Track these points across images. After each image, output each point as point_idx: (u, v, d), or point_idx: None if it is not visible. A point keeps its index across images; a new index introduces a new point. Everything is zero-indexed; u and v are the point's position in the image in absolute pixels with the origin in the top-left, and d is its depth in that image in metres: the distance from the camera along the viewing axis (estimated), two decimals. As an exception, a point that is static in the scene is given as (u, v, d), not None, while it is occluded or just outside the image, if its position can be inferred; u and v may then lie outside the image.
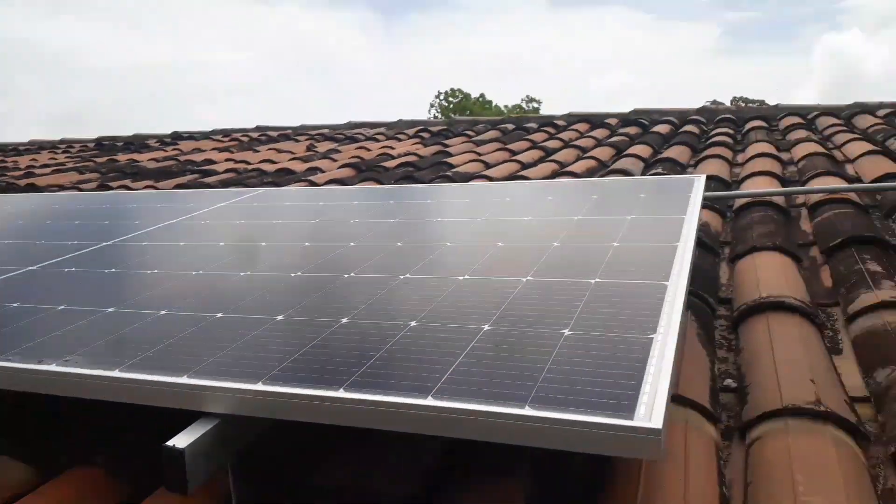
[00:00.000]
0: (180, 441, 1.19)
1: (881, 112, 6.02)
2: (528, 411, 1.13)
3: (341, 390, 1.23)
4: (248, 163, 6.19)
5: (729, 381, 1.91)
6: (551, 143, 5.92)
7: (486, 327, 1.46)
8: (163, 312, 1.73)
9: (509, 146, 5.99)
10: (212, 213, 3.03)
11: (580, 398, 1.16)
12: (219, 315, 1.67)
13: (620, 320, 1.45)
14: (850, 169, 4.18)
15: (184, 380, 1.31)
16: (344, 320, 1.56)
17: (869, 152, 4.33)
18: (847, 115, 6.14)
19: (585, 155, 5.23)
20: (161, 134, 9.01)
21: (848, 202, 3.23)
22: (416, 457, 1.50)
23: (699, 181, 2.61)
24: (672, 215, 2.19)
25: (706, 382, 1.80)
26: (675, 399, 1.66)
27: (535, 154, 5.42)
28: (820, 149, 4.53)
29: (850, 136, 5.04)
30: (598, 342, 1.36)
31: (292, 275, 1.96)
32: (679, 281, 1.64)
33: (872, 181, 3.66)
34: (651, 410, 1.11)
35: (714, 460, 1.50)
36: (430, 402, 1.17)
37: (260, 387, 1.25)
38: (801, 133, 5.37)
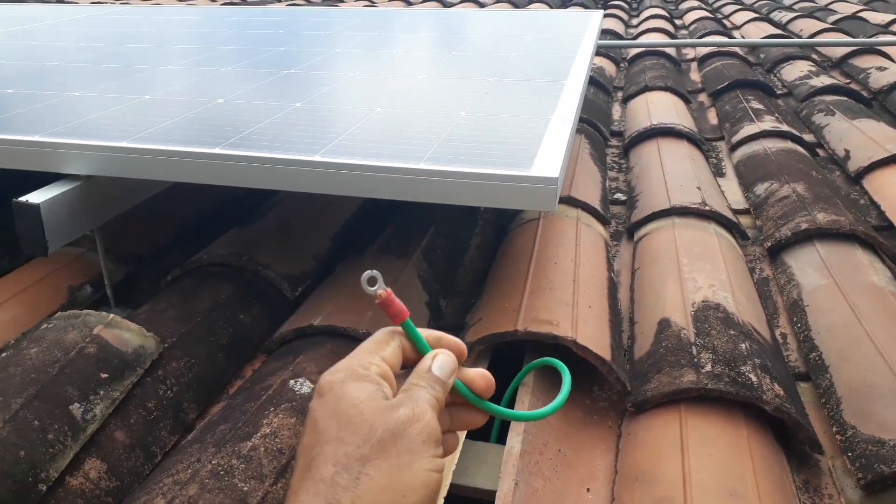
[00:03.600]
0: (35, 197, 1.07)
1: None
2: (423, 165, 1.07)
3: (218, 148, 1.12)
4: None
5: (619, 195, 1.93)
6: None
7: (379, 109, 1.38)
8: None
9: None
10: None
11: (479, 159, 1.11)
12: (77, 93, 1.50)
13: (518, 108, 1.40)
14: (736, 34, 4.26)
15: (36, 138, 1.16)
16: (220, 100, 1.43)
17: (753, 19, 4.43)
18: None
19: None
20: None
21: (734, 56, 3.30)
22: (308, 238, 1.43)
23: (597, 13, 2.56)
24: (574, 28, 2.14)
25: (598, 192, 1.81)
26: (567, 200, 1.66)
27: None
28: (709, 15, 4.60)
29: (737, 6, 5.13)
30: (494, 121, 1.31)
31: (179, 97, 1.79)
32: (577, 78, 1.60)
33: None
34: (547, 165, 1.08)
35: (604, 251, 1.52)
36: (318, 158, 1.09)
37: (125, 144, 1.13)
38: (693, 2, 5.42)
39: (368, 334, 1.12)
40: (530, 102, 1.42)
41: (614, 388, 1.11)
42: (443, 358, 0.62)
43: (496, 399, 1.08)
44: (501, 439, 1.03)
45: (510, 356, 1.20)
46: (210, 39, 2.12)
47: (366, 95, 1.47)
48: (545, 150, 1.14)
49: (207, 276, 1.26)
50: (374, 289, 0.59)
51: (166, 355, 1.06)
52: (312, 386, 1.01)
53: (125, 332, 1.02)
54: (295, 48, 1.94)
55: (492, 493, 0.93)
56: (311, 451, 0.54)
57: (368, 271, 0.58)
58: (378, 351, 0.61)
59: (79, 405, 0.91)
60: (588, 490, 0.96)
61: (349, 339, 1.13)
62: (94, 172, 1.14)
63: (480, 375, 0.65)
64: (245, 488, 0.82)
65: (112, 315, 1.03)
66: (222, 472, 0.86)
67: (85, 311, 1.04)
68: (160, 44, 2.05)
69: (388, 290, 0.59)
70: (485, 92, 1.51)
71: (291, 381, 1.02)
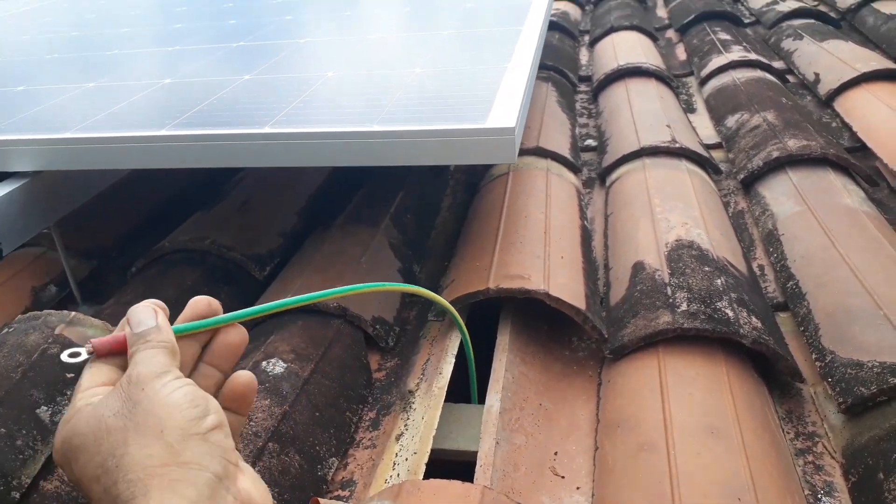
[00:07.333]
0: (-21, 200, 1.03)
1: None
2: (377, 127, 1.04)
3: (164, 130, 1.08)
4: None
5: (590, 142, 1.90)
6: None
7: (331, 73, 1.34)
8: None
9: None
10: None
11: (435, 115, 1.08)
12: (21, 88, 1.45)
13: (473, 59, 1.36)
14: (702, -35, 4.19)
15: (-23, 138, 1.12)
16: (167, 81, 1.38)
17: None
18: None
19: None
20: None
21: (700, -12, 3.24)
22: (273, 215, 1.40)
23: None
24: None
25: (567, 140, 1.78)
26: (536, 151, 1.63)
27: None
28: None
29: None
30: (449, 75, 1.28)
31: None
32: (534, 23, 1.56)
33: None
34: (504, 116, 1.05)
35: (576, 200, 1.50)
36: (268, 130, 1.06)
37: (69, 135, 1.09)
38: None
39: (339, 308, 1.11)
40: (485, 52, 1.38)
41: (592, 337, 1.10)
42: (130, 313, 0.60)
43: (478, 358, 1.06)
44: (483, 400, 1.01)
45: (489, 314, 1.19)
46: (156, 19, 2.05)
47: (317, 61, 1.43)
48: (501, 100, 1.11)
49: (172, 264, 1.23)
50: (82, 355, 0.56)
51: (135, 348, 1.04)
52: (285, 366, 0.99)
53: (89, 329, 0.99)
54: (244, 20, 1.89)
55: (475, 455, 0.92)
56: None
57: (63, 354, 0.57)
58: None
59: (46, 408, 0.89)
60: (556, 454, 0.96)
61: (320, 315, 1.11)
62: (42, 167, 1.11)
63: (193, 303, 0.63)
64: (221, 475, 0.81)
65: (74, 313, 1.00)
66: (198, 461, 0.84)
67: (45, 311, 1.01)
68: (102, 30, 1.99)
69: (91, 341, 0.57)
70: (439, 45, 1.47)
71: (264, 363, 1.00)
